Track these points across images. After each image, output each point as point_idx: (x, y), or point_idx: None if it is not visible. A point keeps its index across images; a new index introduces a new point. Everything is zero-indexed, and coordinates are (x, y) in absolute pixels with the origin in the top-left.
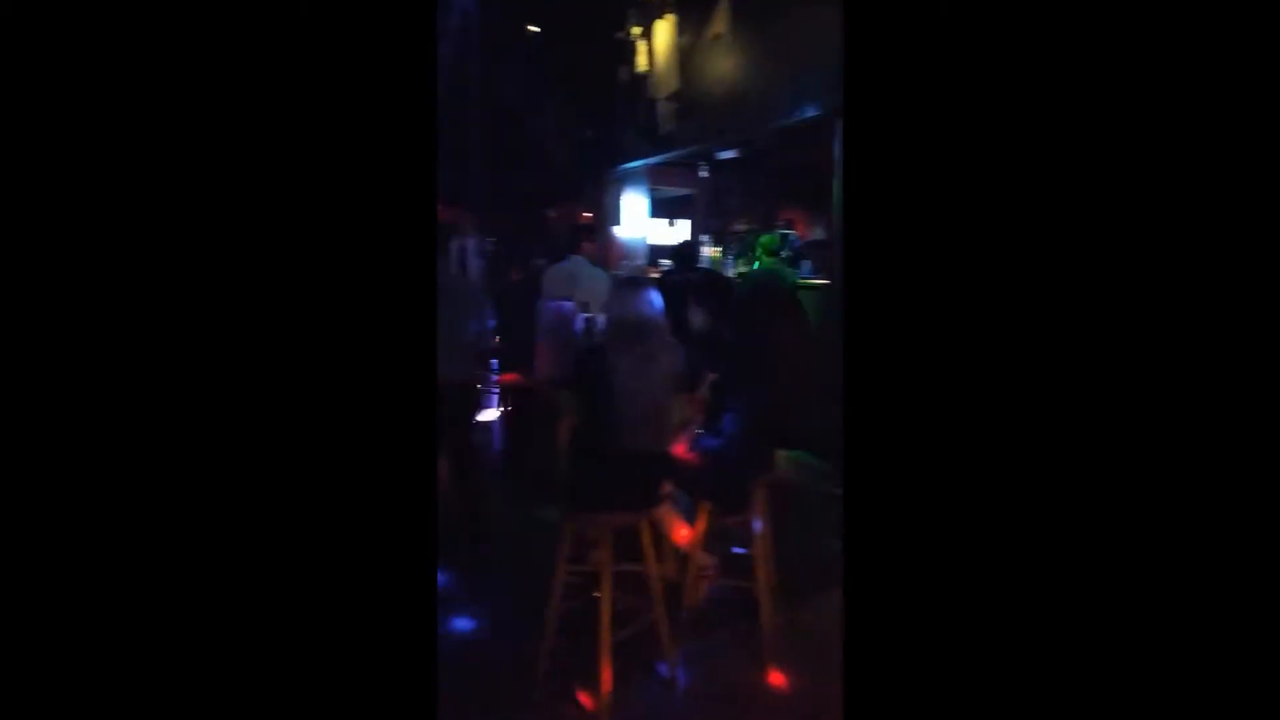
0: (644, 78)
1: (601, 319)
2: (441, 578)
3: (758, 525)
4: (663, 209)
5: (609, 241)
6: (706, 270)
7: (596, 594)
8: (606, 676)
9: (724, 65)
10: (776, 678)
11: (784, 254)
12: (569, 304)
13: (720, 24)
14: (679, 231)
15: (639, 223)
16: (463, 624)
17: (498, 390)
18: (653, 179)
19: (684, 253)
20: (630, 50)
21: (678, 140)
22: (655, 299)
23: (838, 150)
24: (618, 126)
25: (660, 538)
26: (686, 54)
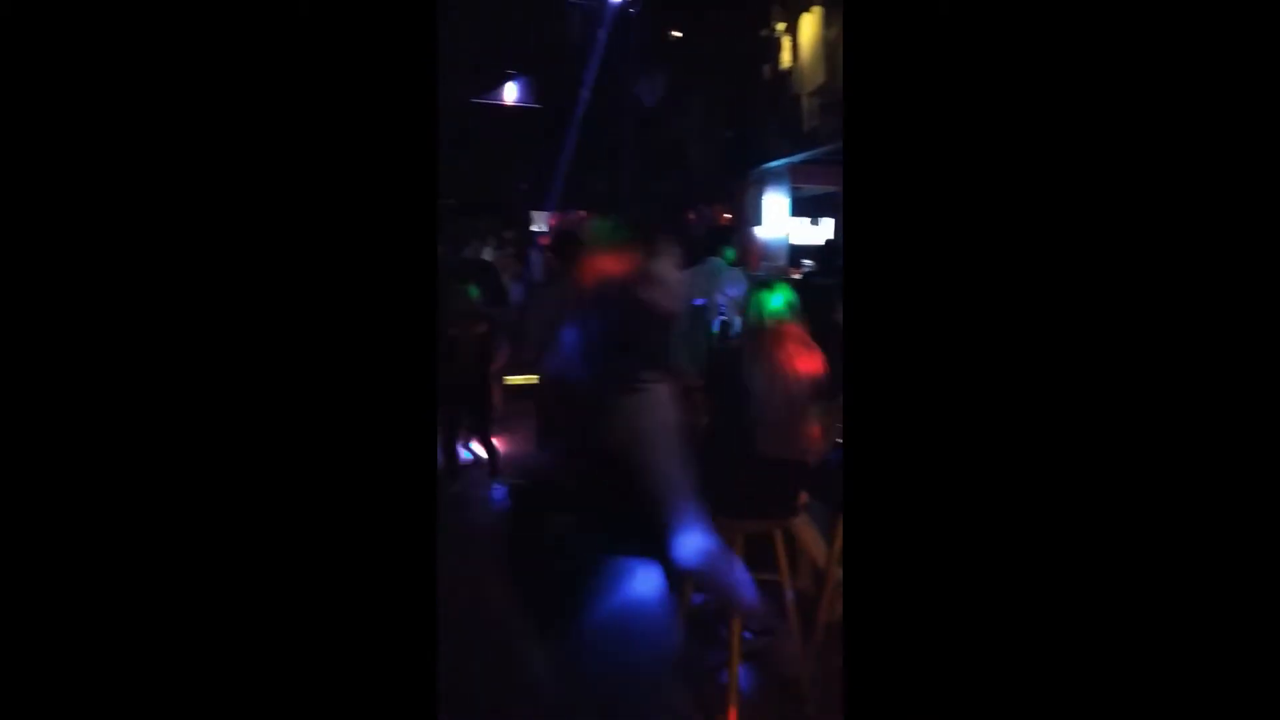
0: (788, 73)
1: (739, 321)
2: None
3: None
4: (805, 208)
5: (749, 242)
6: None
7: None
8: (733, 684)
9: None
10: None
11: None
12: (702, 303)
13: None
14: (822, 230)
15: (781, 222)
16: None
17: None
18: (796, 177)
19: (827, 252)
20: (775, 46)
21: (821, 136)
22: (794, 301)
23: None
24: (760, 125)
25: (796, 550)
26: (833, 47)
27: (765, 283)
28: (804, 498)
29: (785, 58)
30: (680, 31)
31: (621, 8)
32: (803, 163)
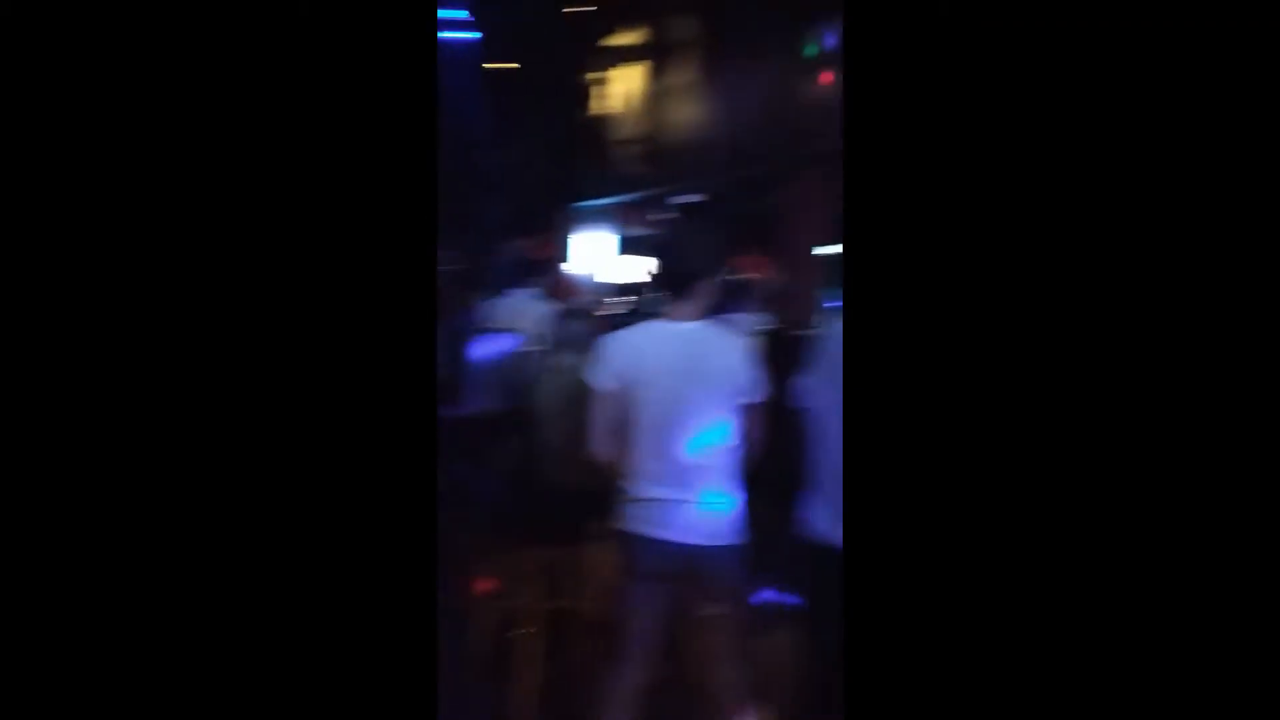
0: (613, 118)
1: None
2: None
3: None
4: (629, 248)
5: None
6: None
7: (527, 630)
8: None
9: (689, 112)
10: None
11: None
12: (511, 336)
13: (688, 73)
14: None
15: (606, 260)
16: None
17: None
18: (618, 218)
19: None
20: (604, 91)
21: (642, 182)
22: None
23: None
24: (582, 165)
25: (592, 574)
26: (657, 99)
27: (571, 313)
28: (604, 525)
29: (613, 103)
30: (517, 63)
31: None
32: (625, 204)
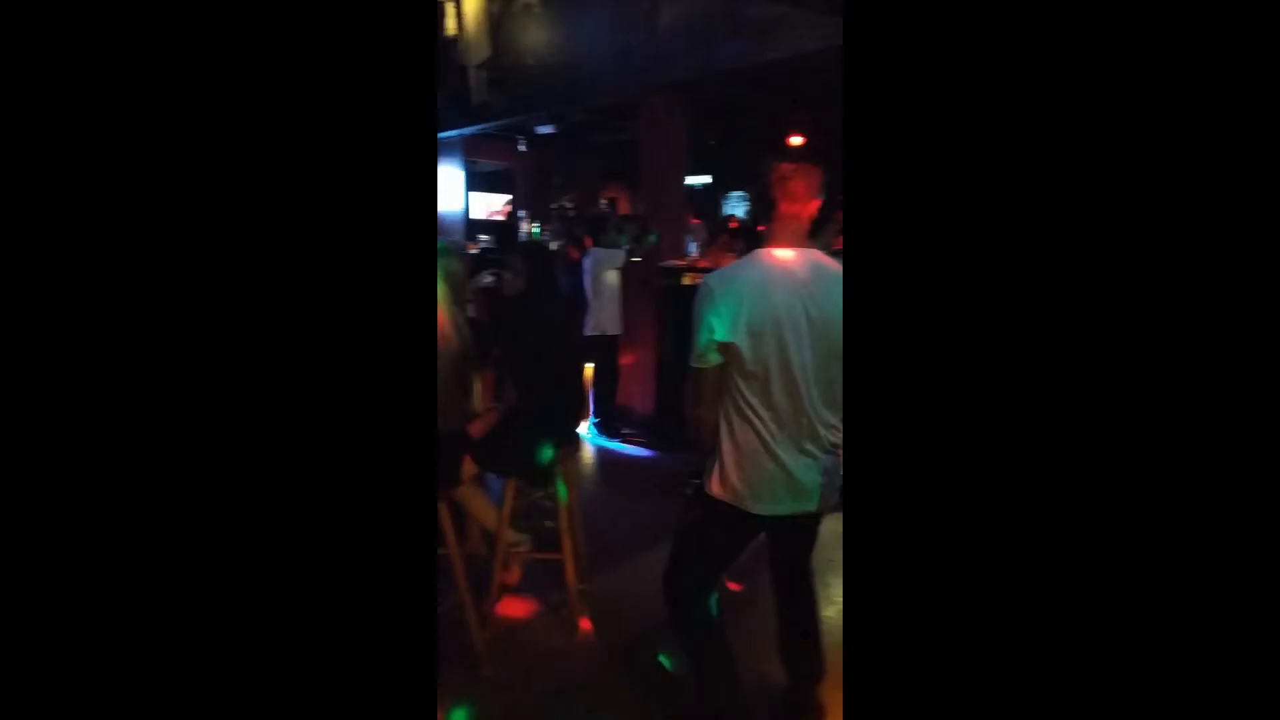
0: (453, 44)
1: None
2: None
3: (564, 496)
4: (480, 183)
5: None
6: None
7: None
8: None
9: (536, 35)
10: (585, 624)
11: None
12: None
13: None
14: (497, 205)
15: (455, 196)
16: None
17: None
18: (469, 152)
19: (503, 229)
20: (439, 14)
21: (491, 111)
22: (456, 270)
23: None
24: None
25: (464, 517)
26: (496, 20)
27: (445, 252)
28: (470, 468)
29: (450, 26)
30: None
31: None
32: (475, 137)
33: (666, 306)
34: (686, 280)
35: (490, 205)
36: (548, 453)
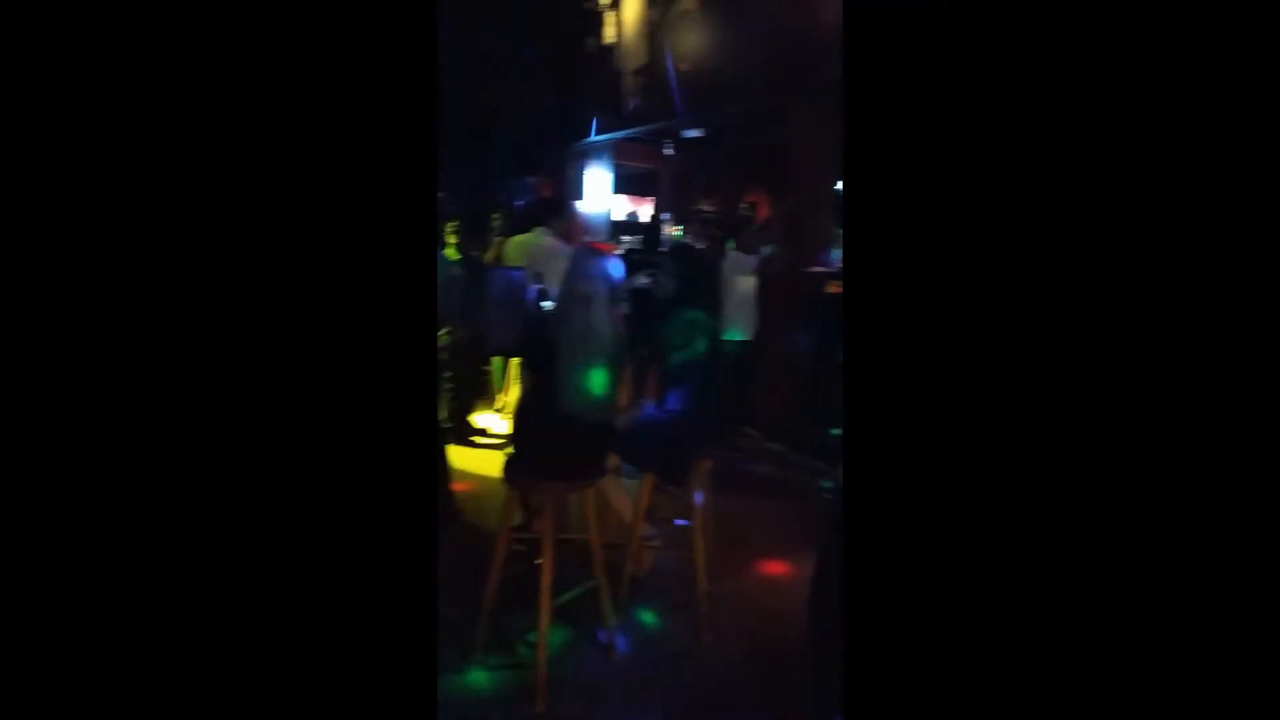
0: (611, 50)
1: (554, 289)
2: None
3: (699, 498)
4: (627, 185)
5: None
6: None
7: (539, 561)
8: (543, 643)
9: (692, 41)
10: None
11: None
12: (519, 273)
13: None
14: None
15: (602, 198)
16: None
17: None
18: (617, 155)
19: (648, 231)
20: (599, 21)
21: (642, 116)
22: (610, 270)
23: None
24: (582, 99)
25: (604, 507)
26: (654, 28)
27: (587, 251)
28: (614, 460)
29: (609, 33)
30: None
31: None
32: (624, 140)
33: (808, 314)
34: (831, 289)
35: (631, 207)
36: (686, 452)
